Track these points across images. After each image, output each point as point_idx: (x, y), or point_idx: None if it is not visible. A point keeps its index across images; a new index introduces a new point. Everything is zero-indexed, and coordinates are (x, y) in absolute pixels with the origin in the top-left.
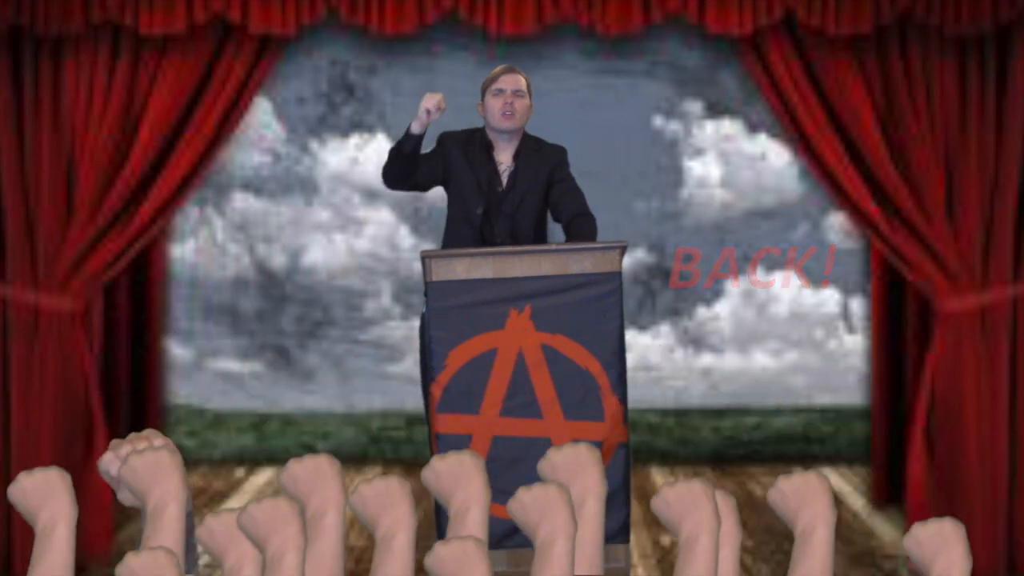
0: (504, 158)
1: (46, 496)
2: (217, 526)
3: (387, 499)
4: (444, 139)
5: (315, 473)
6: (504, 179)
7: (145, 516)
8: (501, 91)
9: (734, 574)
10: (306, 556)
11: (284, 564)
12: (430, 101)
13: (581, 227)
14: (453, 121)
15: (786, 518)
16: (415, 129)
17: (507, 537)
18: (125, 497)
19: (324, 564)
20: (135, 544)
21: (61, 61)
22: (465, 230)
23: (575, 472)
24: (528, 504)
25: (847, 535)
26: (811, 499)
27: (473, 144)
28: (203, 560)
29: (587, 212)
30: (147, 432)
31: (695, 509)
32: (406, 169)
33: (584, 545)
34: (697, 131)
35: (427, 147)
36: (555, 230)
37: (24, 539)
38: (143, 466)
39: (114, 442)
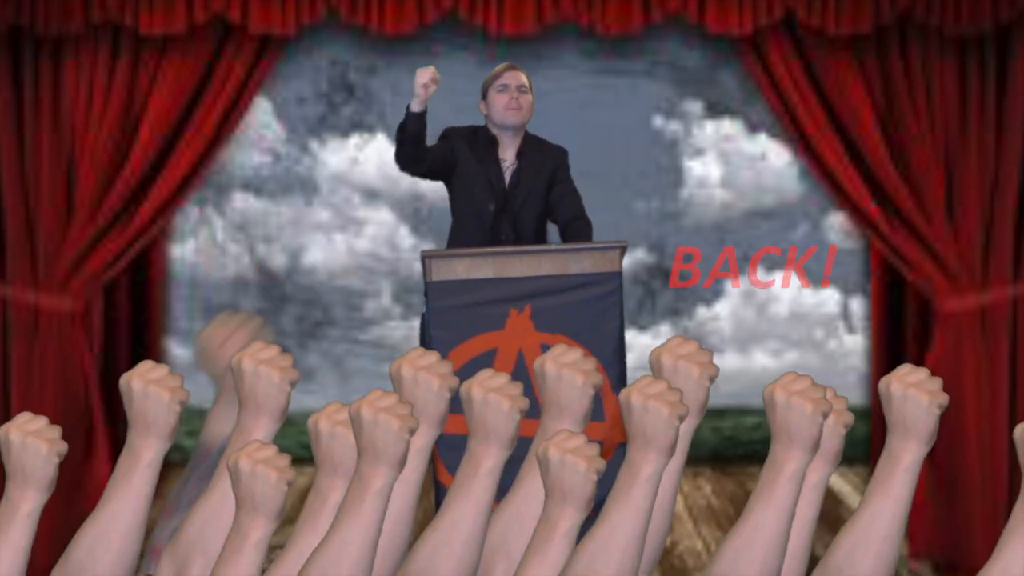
0: (508, 155)
1: (28, 466)
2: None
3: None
4: (448, 133)
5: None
6: (508, 176)
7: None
8: (506, 86)
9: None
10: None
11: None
12: (424, 76)
13: (578, 231)
14: (454, 121)
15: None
16: (414, 107)
17: None
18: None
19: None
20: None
21: (61, 61)
22: (474, 226)
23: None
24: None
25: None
26: (922, 413)
27: (478, 140)
28: None
29: (584, 216)
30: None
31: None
32: (415, 149)
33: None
34: (697, 131)
35: (430, 140)
36: (554, 230)
37: None
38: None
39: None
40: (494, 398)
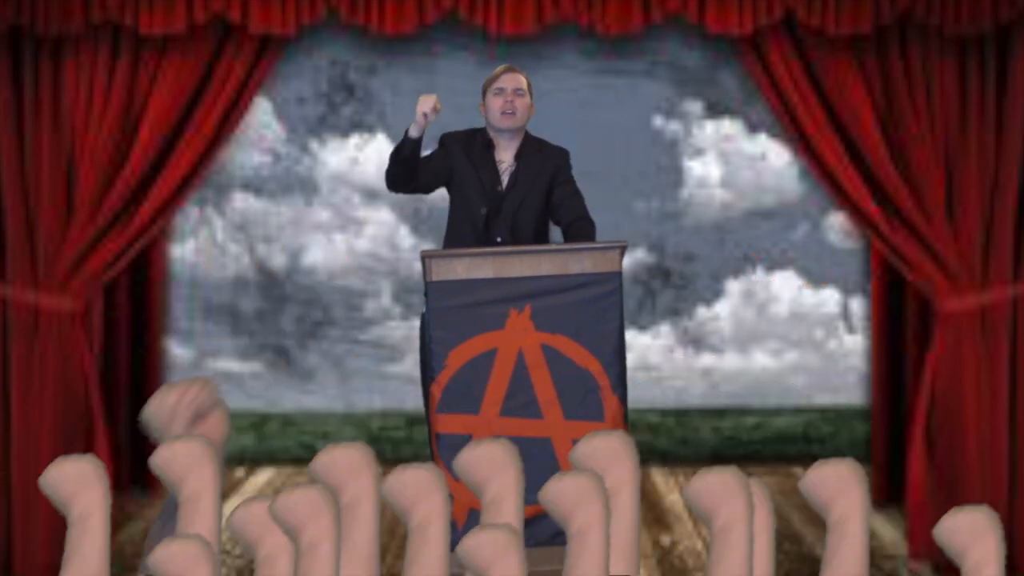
0: (505, 157)
1: (81, 486)
2: (249, 515)
3: (422, 488)
4: (445, 140)
5: (349, 462)
6: (505, 178)
7: (171, 505)
8: (502, 90)
9: (769, 563)
10: (341, 546)
11: (319, 553)
12: (426, 104)
13: (580, 231)
14: (453, 121)
15: (818, 507)
16: (413, 133)
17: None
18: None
19: (359, 553)
20: (148, 537)
21: (61, 61)
22: (468, 230)
23: (610, 461)
24: (561, 493)
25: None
26: (845, 488)
27: (474, 144)
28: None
29: (587, 216)
30: (199, 381)
31: (729, 499)
32: (407, 173)
33: (619, 535)
34: (697, 131)
35: (427, 147)
36: (554, 230)
37: (25, 537)
38: (180, 454)
39: (163, 388)
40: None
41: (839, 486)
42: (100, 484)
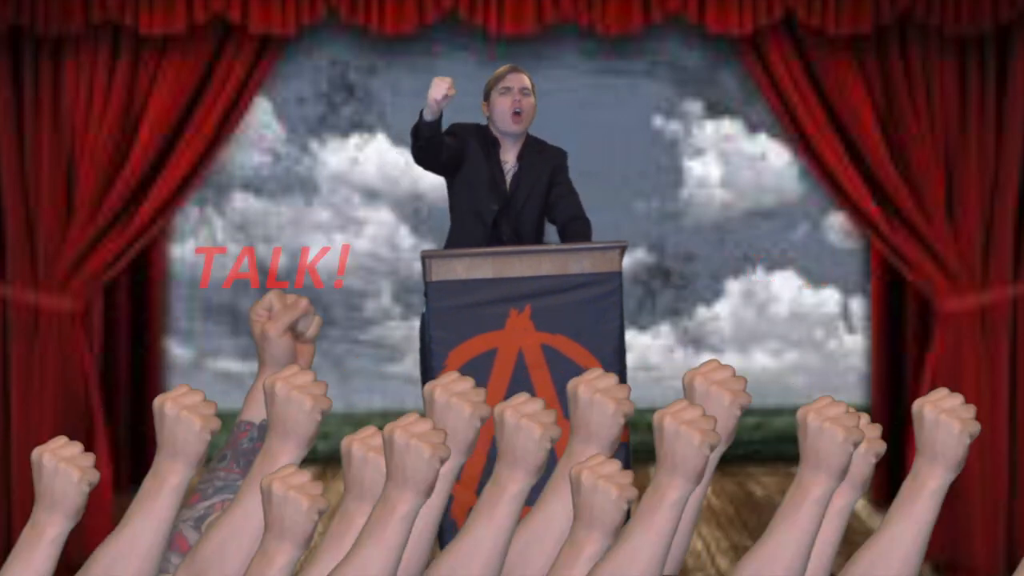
0: (509, 158)
1: (59, 492)
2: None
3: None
4: (456, 129)
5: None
6: (509, 178)
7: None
8: (508, 89)
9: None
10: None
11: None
12: (438, 91)
13: (577, 231)
14: (453, 121)
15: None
16: (427, 116)
17: None
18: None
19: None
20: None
21: (61, 61)
22: (474, 225)
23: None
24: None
25: (847, 535)
26: (952, 441)
27: (483, 139)
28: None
29: (583, 216)
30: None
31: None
32: (431, 152)
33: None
34: (697, 131)
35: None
36: (551, 231)
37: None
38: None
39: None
40: (527, 424)
41: (948, 436)
42: (77, 500)
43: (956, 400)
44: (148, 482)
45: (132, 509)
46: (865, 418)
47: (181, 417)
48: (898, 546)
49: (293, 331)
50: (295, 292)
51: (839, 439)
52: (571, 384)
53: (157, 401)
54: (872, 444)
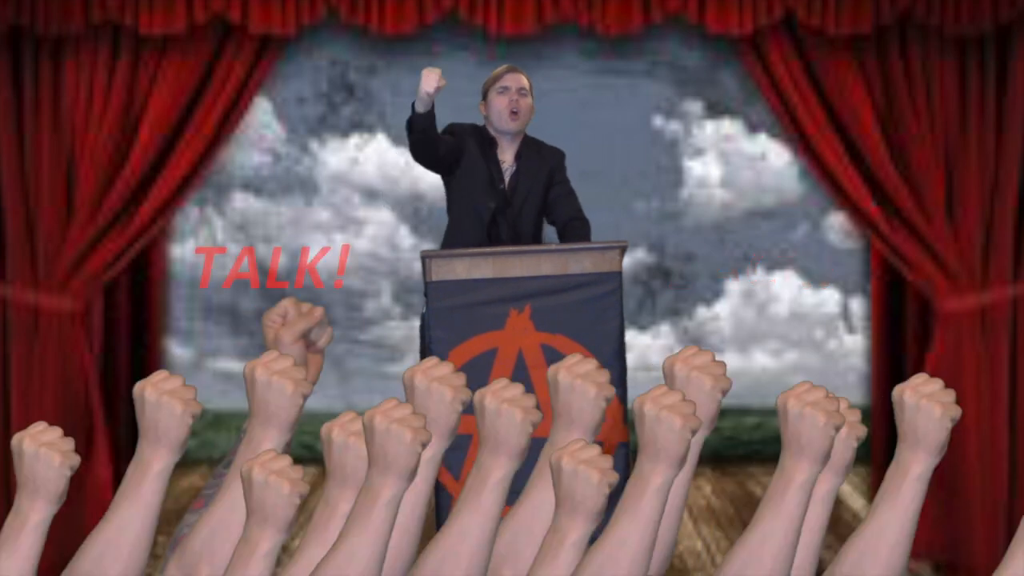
0: (506, 157)
1: (40, 477)
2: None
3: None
4: (454, 128)
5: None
6: (507, 178)
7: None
8: (506, 88)
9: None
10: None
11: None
12: (428, 84)
13: (576, 231)
14: (452, 121)
15: (899, 421)
16: (419, 108)
17: None
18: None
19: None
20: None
21: (61, 61)
22: (471, 225)
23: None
24: None
25: (846, 535)
26: (933, 426)
27: (481, 139)
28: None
29: (582, 216)
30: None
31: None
32: (427, 145)
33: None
34: (697, 131)
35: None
36: (550, 231)
37: None
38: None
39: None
40: (507, 409)
41: (929, 420)
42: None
43: (936, 385)
44: (132, 469)
45: (117, 498)
46: (845, 402)
47: (162, 402)
48: (886, 535)
49: (305, 339)
50: (294, 292)
51: (820, 423)
52: (551, 370)
53: (137, 387)
54: (853, 428)
